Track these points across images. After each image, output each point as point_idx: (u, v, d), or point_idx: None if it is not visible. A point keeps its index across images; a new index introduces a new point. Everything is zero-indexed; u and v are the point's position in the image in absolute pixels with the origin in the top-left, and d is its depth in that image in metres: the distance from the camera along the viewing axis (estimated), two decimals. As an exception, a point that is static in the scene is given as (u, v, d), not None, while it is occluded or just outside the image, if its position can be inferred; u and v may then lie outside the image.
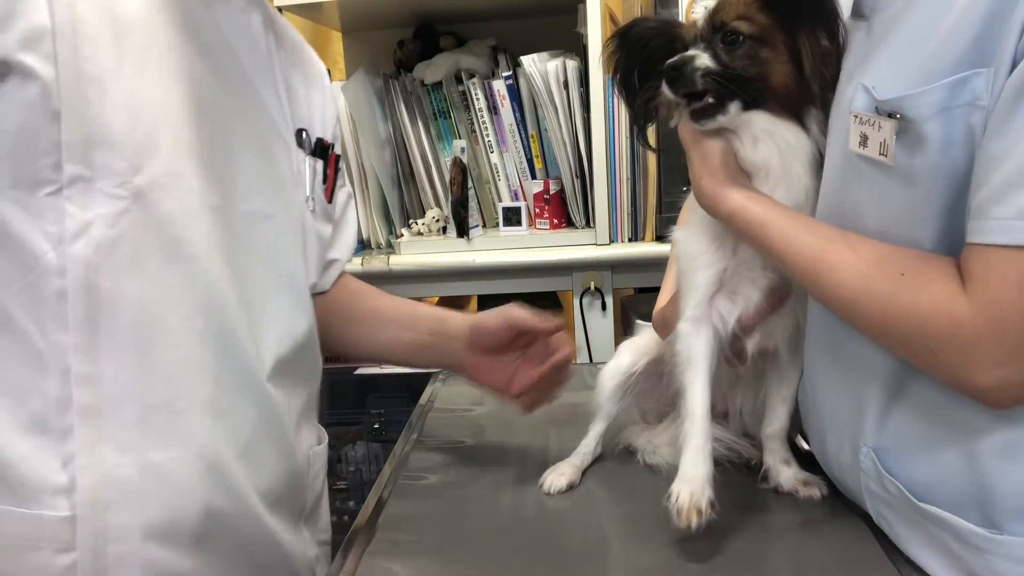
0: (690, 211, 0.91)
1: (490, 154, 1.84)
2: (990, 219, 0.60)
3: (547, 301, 1.99)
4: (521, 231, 1.82)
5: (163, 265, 0.75)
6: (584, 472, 1.00)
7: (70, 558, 0.72)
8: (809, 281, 0.74)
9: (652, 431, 1.05)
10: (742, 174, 0.82)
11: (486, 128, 1.82)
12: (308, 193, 0.95)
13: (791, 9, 0.78)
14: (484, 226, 1.87)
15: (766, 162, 0.81)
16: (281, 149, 0.92)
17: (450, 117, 1.86)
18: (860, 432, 0.77)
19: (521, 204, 1.83)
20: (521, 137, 1.81)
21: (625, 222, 1.74)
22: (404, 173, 1.91)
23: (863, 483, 0.79)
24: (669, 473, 0.90)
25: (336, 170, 1.02)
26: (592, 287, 1.75)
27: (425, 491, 1.01)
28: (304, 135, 0.96)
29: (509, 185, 1.86)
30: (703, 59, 0.79)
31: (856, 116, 0.69)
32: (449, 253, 1.77)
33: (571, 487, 0.97)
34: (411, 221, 1.90)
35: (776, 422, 0.93)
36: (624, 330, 1.80)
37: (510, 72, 1.78)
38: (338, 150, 1.04)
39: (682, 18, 1.64)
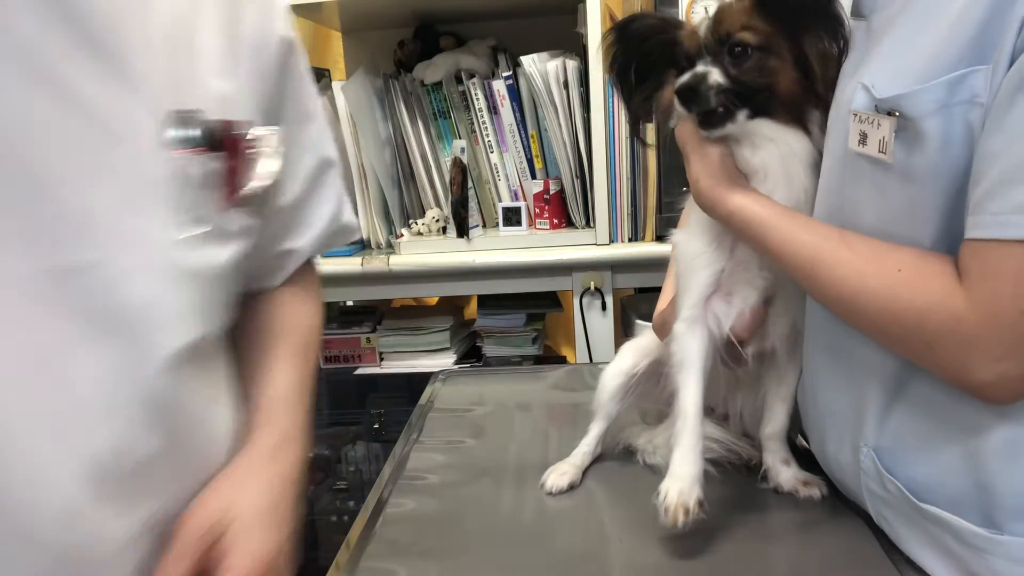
0: (688, 213, 0.91)
1: (490, 154, 1.84)
2: (987, 214, 0.60)
3: (547, 301, 2.00)
4: (521, 231, 1.82)
5: None
6: (584, 472, 1.00)
7: None
8: (807, 279, 0.74)
9: (652, 431, 1.05)
10: (740, 175, 0.82)
11: (486, 128, 1.82)
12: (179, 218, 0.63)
13: (793, 14, 0.78)
14: (484, 226, 1.87)
15: (765, 164, 0.81)
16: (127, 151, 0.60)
17: (450, 117, 1.86)
18: (860, 432, 0.77)
19: (521, 204, 1.83)
20: (521, 137, 1.82)
21: (625, 222, 1.74)
22: (404, 173, 1.91)
23: (863, 483, 0.79)
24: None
25: (247, 157, 0.69)
26: (592, 287, 1.75)
27: (425, 491, 1.01)
28: (189, 120, 0.63)
29: (509, 185, 1.86)
30: (715, 76, 0.79)
31: (856, 115, 0.69)
32: (449, 253, 1.77)
33: (572, 487, 0.97)
34: (411, 221, 1.90)
35: (775, 422, 0.93)
36: (624, 330, 1.80)
37: (510, 72, 1.78)
38: (261, 129, 0.71)
39: (682, 17, 1.64)
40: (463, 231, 1.78)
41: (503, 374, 1.69)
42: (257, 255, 0.76)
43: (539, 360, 1.94)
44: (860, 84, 0.69)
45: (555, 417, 1.14)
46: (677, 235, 0.94)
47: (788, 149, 0.80)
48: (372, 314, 2.04)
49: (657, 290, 1.07)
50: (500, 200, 1.87)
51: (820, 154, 0.79)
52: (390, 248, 1.88)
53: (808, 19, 0.77)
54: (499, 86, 1.78)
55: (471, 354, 1.99)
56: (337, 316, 2.12)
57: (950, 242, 0.65)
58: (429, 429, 1.21)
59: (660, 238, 1.73)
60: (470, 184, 1.79)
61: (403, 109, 1.85)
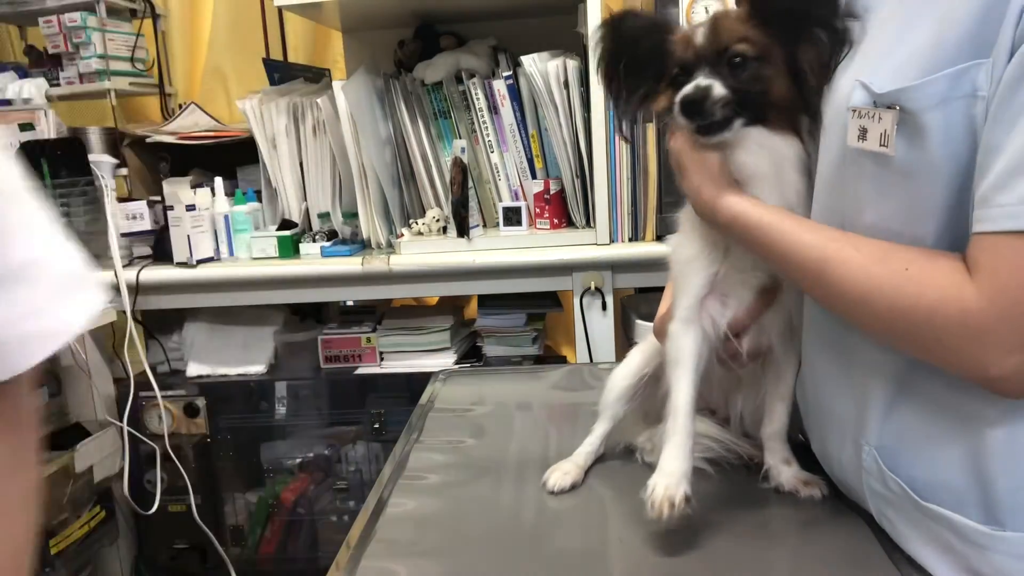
0: (683, 218, 0.92)
1: (490, 154, 1.84)
2: (995, 207, 0.60)
3: (547, 301, 2.00)
4: (521, 231, 1.82)
5: None
6: (587, 472, 1.00)
7: None
8: (813, 281, 0.74)
9: (652, 430, 1.05)
10: (735, 182, 0.82)
11: (486, 128, 1.82)
12: None
13: (793, 25, 0.78)
14: (484, 226, 1.87)
15: (758, 169, 0.81)
16: None
17: (450, 117, 1.86)
18: (862, 431, 0.77)
19: (521, 204, 1.83)
20: (521, 137, 1.81)
21: (625, 222, 1.74)
22: (404, 173, 1.91)
23: (865, 482, 0.79)
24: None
25: None
26: (592, 287, 1.75)
27: (425, 491, 1.01)
28: None
29: (509, 185, 1.86)
30: (718, 89, 0.79)
31: (854, 111, 0.69)
32: (449, 253, 1.77)
33: (574, 486, 0.97)
34: (411, 221, 1.90)
35: (775, 421, 0.93)
36: (624, 330, 1.81)
37: (510, 72, 1.78)
38: None
39: (682, 17, 1.64)
40: (463, 231, 1.78)
41: (503, 374, 1.69)
42: None
43: (539, 360, 1.94)
44: (857, 81, 0.69)
45: (555, 417, 1.14)
46: (672, 239, 0.95)
47: (778, 153, 0.81)
48: (372, 314, 2.05)
49: (658, 290, 1.07)
50: (500, 200, 1.87)
51: (810, 157, 0.79)
52: (390, 248, 1.88)
53: (810, 29, 0.77)
54: (499, 86, 1.78)
55: (471, 354, 1.99)
56: (337, 316, 2.12)
57: (953, 239, 0.65)
58: (429, 429, 1.21)
59: (660, 238, 1.73)
60: (470, 184, 1.79)
61: (403, 109, 1.85)
